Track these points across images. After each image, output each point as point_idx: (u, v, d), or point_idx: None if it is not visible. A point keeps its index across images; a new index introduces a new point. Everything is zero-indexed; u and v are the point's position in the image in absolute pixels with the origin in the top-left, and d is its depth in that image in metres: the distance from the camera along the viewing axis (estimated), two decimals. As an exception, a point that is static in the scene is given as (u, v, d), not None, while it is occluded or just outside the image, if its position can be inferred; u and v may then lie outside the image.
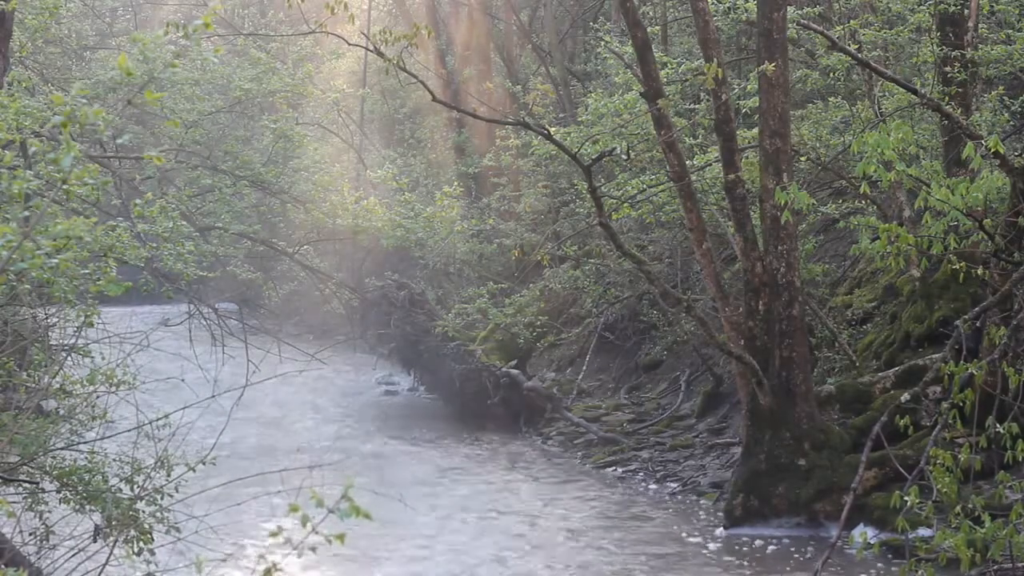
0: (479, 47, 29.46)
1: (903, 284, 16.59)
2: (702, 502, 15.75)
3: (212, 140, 20.38)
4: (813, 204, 10.99)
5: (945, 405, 8.55)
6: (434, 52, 28.07)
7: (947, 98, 14.20)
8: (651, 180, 17.16)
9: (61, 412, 10.46)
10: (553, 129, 14.95)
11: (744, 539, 13.77)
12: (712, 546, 13.66)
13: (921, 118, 16.28)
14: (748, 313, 14.27)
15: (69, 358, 10.78)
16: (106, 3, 29.82)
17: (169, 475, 8.45)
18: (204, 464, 8.61)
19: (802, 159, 16.71)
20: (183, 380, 13.21)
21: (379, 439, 20.41)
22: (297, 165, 21.08)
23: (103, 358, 9.88)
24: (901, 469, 11.31)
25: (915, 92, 12.03)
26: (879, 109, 15.86)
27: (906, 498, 7.94)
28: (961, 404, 8.31)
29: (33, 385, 10.09)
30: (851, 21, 16.83)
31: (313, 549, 4.51)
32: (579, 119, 19.08)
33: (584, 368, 22.57)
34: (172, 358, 15.40)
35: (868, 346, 16.74)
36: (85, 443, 9.45)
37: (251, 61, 20.68)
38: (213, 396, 8.29)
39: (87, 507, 8.62)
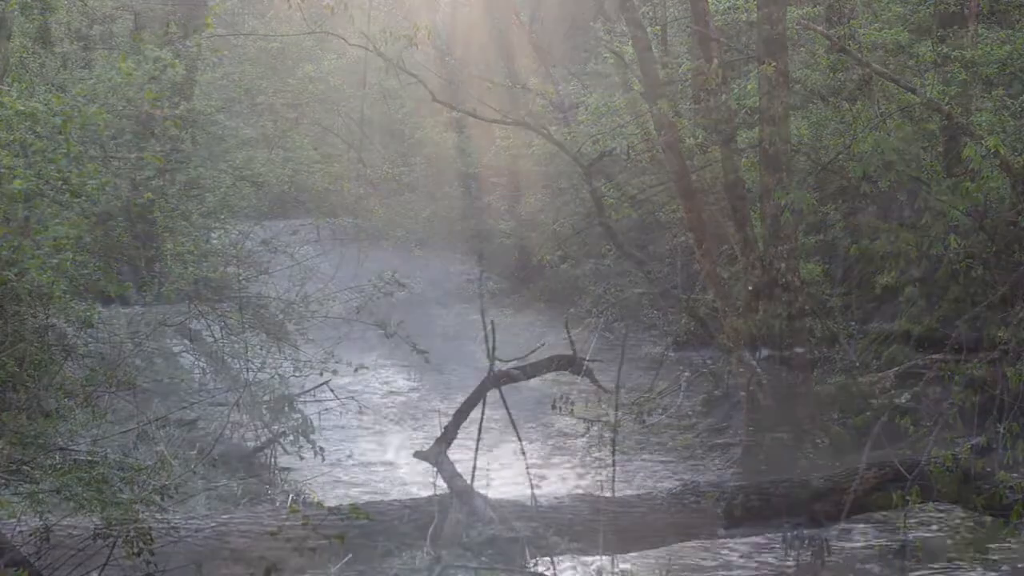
0: (479, 47, 29.45)
1: (903, 284, 16.57)
2: (702, 502, 15.69)
3: (212, 140, 20.36)
4: (813, 204, 11.00)
5: (945, 405, 8.55)
6: (434, 52, 28.05)
7: (947, 98, 14.20)
8: (651, 180, 17.17)
9: (61, 412, 10.45)
10: (553, 129, 14.95)
11: (744, 539, 13.74)
12: (712, 546, 13.63)
13: (921, 118, 16.26)
14: (748, 313, 14.26)
15: (69, 358, 10.77)
16: (106, 4, 29.74)
17: (169, 475, 8.45)
18: (204, 464, 8.61)
19: (802, 159, 16.70)
20: (182, 380, 13.20)
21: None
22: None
23: (103, 358, 9.88)
24: (901, 469, 11.30)
25: (915, 92, 12.04)
26: (879, 109, 15.85)
27: (908, 498, 7.94)
28: (961, 404, 8.31)
29: (33, 385, 10.08)
30: (851, 21, 16.82)
31: (313, 549, 4.51)
32: (579, 119, 19.07)
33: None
34: (171, 358, 15.40)
35: (868, 346, 16.73)
36: (85, 443, 9.44)
37: (251, 61, 20.70)
38: (213, 396, 8.30)
39: (87, 507, 8.61)
